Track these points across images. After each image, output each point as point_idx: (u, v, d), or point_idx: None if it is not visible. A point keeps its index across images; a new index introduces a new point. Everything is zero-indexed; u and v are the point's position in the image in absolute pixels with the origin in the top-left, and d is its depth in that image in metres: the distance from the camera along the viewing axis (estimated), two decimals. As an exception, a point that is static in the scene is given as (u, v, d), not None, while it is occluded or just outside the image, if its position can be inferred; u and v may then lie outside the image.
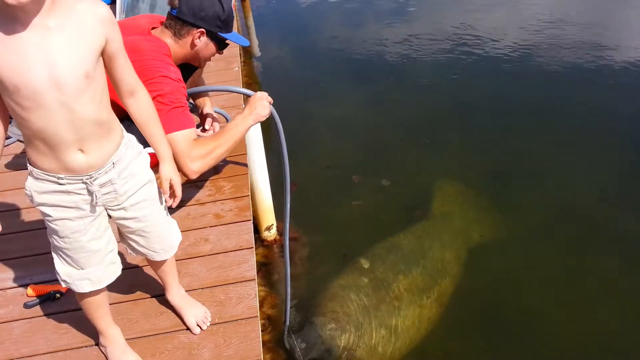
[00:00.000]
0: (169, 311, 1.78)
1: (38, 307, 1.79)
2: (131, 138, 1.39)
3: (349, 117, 4.04)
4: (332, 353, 2.19)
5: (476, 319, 2.49)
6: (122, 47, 1.25)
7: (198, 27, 1.84)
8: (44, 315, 1.78)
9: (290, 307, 2.22)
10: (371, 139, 3.82)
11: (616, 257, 2.76)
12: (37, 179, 1.25)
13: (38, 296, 1.81)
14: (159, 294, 1.82)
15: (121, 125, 1.35)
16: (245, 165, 2.41)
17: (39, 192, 1.27)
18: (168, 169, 1.45)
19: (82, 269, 1.38)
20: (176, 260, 1.93)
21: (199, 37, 1.87)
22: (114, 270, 1.45)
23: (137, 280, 1.89)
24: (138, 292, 1.84)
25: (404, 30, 5.31)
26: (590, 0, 5.81)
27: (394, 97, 4.27)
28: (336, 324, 2.25)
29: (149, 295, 1.84)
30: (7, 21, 1.06)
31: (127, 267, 1.90)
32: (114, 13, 4.08)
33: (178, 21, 1.84)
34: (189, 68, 2.09)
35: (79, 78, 1.14)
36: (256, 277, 1.94)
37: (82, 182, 1.26)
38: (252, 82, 4.55)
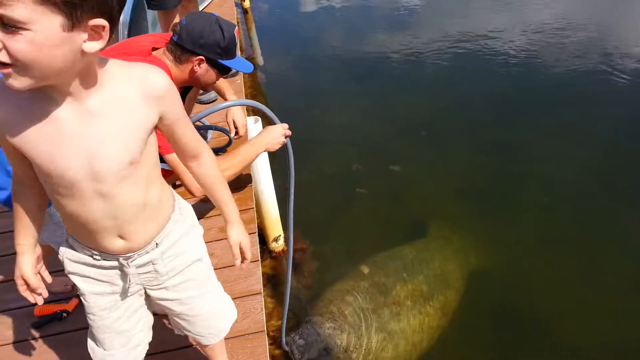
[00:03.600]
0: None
1: (45, 326, 1.79)
2: (184, 209, 1.22)
3: (353, 124, 4.03)
4: (330, 352, 2.15)
5: (482, 329, 2.45)
6: (182, 114, 1.08)
7: (197, 55, 1.84)
8: (51, 335, 1.77)
9: (289, 311, 2.18)
10: (375, 144, 3.80)
11: (628, 259, 2.70)
12: (72, 247, 1.13)
13: (44, 316, 1.81)
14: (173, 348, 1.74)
15: (174, 194, 1.22)
16: (250, 177, 2.41)
17: (71, 261, 1.14)
18: (237, 232, 1.28)
19: (105, 350, 1.26)
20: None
21: (199, 64, 1.86)
22: (136, 355, 1.29)
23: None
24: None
25: (406, 36, 5.31)
26: (593, 1, 5.77)
27: (397, 102, 4.25)
28: (334, 324, 2.22)
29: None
30: (41, 101, 0.89)
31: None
32: (116, 38, 4.12)
33: (178, 47, 1.84)
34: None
35: (123, 167, 0.99)
36: (262, 290, 1.93)
37: (118, 262, 1.12)
38: (257, 92, 4.56)
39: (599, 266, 2.69)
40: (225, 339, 1.72)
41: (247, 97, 3.14)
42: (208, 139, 2.58)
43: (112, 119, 0.94)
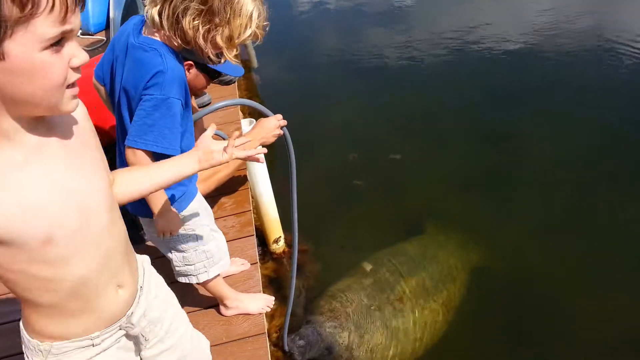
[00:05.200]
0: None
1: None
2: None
3: (350, 121, 4.00)
4: (332, 351, 2.12)
5: (487, 323, 2.42)
6: None
7: (186, 60, 1.83)
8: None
9: (292, 311, 2.14)
10: (373, 141, 3.78)
11: (630, 244, 2.68)
12: (58, 354, 0.93)
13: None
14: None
15: None
16: (246, 179, 2.40)
17: None
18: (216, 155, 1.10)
19: None
20: (179, 281, 1.91)
21: (188, 70, 1.84)
22: None
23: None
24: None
25: (400, 31, 5.28)
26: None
27: (393, 98, 4.22)
28: (336, 322, 2.18)
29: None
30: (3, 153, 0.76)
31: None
32: (108, 38, 4.12)
33: None
34: None
35: (108, 194, 0.90)
36: (262, 292, 1.92)
37: (120, 329, 0.99)
38: (252, 94, 4.54)
39: (601, 254, 2.67)
40: (225, 342, 1.72)
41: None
42: None
43: (75, 142, 0.85)
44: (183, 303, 1.76)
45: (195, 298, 1.85)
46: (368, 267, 2.52)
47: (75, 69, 0.75)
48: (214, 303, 1.82)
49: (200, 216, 1.55)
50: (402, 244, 2.73)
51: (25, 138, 0.77)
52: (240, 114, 2.94)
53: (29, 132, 0.77)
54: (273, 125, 1.89)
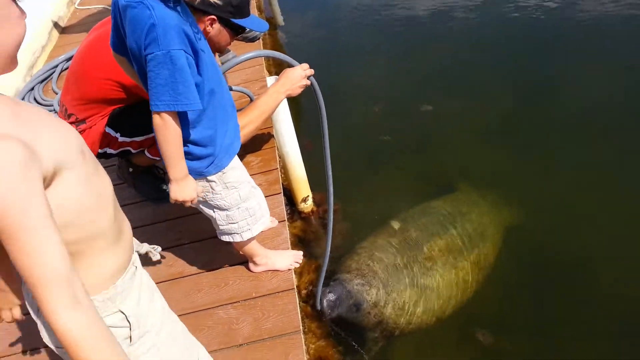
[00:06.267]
0: (207, 288, 1.80)
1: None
2: None
3: (380, 79, 3.90)
4: (360, 308, 2.13)
5: (520, 282, 2.37)
6: None
7: (208, 14, 1.75)
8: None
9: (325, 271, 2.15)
10: (402, 99, 3.67)
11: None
12: (122, 292, 0.96)
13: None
14: (195, 272, 1.84)
15: None
16: (272, 137, 2.37)
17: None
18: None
19: None
20: (209, 238, 1.93)
21: (211, 25, 1.78)
22: None
23: (173, 259, 1.91)
24: (175, 272, 1.87)
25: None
26: None
27: (425, 55, 4.06)
28: (363, 280, 2.18)
29: (186, 274, 1.86)
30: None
31: (164, 249, 1.93)
32: None
33: (189, 8, 1.78)
34: None
35: None
36: (290, 249, 1.93)
37: (135, 251, 1.05)
38: (278, 53, 4.46)
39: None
40: (254, 297, 1.75)
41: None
42: None
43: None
44: (212, 260, 1.81)
45: (223, 255, 1.88)
46: (396, 225, 2.48)
47: None
48: (242, 260, 1.84)
49: (241, 173, 1.54)
50: (433, 202, 2.67)
51: None
52: (266, 72, 2.89)
53: None
54: (299, 75, 1.83)
